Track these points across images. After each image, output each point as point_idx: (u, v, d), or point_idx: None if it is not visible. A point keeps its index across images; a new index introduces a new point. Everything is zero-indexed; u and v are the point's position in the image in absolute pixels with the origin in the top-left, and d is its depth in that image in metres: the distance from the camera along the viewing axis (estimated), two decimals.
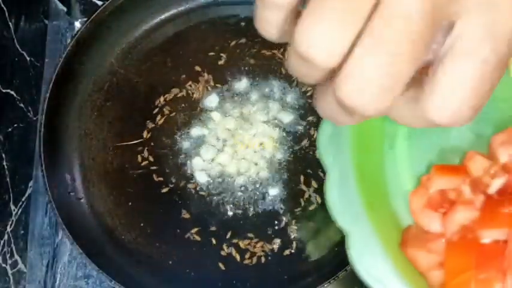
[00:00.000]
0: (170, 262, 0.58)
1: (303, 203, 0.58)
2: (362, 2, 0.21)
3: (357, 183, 0.37)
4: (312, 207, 0.58)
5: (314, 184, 0.59)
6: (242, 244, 0.58)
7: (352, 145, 0.38)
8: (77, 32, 0.60)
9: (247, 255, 0.57)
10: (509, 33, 0.22)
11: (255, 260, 0.57)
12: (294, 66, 0.24)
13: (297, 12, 0.23)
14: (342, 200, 0.37)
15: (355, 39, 0.21)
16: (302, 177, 0.59)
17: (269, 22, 0.24)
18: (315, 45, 0.22)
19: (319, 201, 0.58)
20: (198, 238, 0.58)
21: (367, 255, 0.36)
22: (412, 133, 0.42)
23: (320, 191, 0.58)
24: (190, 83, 0.63)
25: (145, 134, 0.62)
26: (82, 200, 0.60)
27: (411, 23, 0.21)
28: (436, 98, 0.23)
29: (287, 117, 0.61)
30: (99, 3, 0.66)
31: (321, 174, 0.59)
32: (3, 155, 0.63)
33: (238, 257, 0.57)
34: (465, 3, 0.22)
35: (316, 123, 0.60)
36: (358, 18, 0.21)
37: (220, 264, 0.57)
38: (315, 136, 0.60)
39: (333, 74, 0.23)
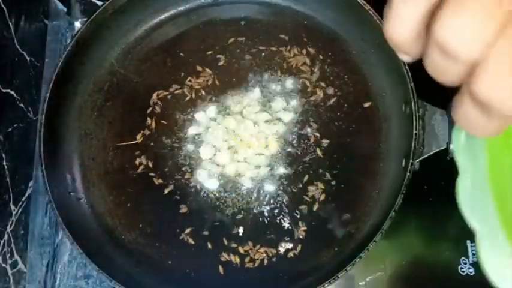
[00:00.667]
0: (170, 262, 0.58)
1: (307, 204, 0.58)
2: None
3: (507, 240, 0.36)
4: (315, 208, 0.58)
5: (319, 184, 0.59)
6: (242, 250, 0.57)
7: (494, 198, 0.37)
8: (77, 32, 0.60)
9: (247, 259, 0.57)
10: None
11: (256, 263, 0.57)
12: (433, 61, 0.24)
13: (433, 9, 0.23)
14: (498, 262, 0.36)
15: (498, 32, 0.21)
16: (306, 177, 0.59)
17: (404, 20, 0.24)
18: (457, 36, 0.21)
19: (322, 199, 0.58)
20: (198, 239, 0.58)
21: None
22: None
23: (324, 190, 0.58)
24: (190, 83, 0.63)
25: (145, 134, 0.62)
26: (82, 200, 0.60)
27: None
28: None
29: (288, 116, 0.61)
30: (99, 3, 0.66)
31: (327, 175, 0.59)
32: (3, 155, 0.63)
33: (238, 261, 0.57)
34: None
35: (317, 121, 0.60)
36: (501, 11, 0.21)
37: (220, 266, 0.57)
38: (317, 135, 0.60)
39: (471, 70, 0.22)
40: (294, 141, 0.60)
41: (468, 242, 0.59)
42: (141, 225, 0.59)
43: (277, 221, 0.58)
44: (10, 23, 0.63)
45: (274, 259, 0.57)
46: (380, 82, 0.60)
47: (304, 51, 0.63)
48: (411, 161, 0.51)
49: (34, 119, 0.67)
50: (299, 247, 0.57)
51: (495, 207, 0.36)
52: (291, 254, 0.57)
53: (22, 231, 0.64)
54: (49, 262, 0.64)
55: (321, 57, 0.63)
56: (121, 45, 0.65)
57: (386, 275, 0.59)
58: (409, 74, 0.53)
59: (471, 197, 0.36)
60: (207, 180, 0.60)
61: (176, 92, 0.63)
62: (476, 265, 0.58)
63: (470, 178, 0.36)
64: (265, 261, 0.57)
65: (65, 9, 0.71)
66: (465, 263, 0.58)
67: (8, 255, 0.62)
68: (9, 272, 0.62)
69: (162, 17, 0.66)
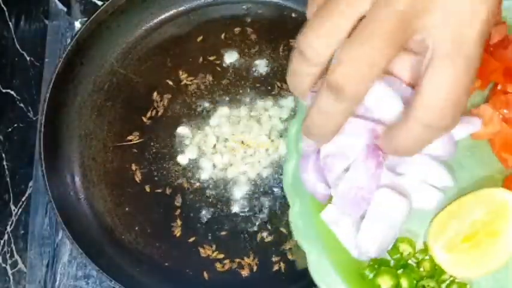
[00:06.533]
0: (170, 262, 0.58)
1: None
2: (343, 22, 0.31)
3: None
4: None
5: None
6: (241, 250, 0.58)
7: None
8: (77, 32, 0.60)
9: (247, 259, 0.57)
10: (475, 36, 0.29)
11: (256, 264, 0.57)
12: (294, 66, 0.33)
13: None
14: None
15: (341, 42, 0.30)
16: None
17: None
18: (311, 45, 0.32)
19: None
20: (198, 240, 0.58)
21: None
22: None
23: None
24: (190, 83, 0.63)
25: (145, 134, 0.62)
26: (82, 200, 0.60)
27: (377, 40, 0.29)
28: (423, 98, 0.30)
29: (286, 115, 0.61)
30: (99, 3, 0.67)
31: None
32: (3, 155, 0.63)
33: (238, 260, 0.57)
34: (430, 19, 0.29)
35: None
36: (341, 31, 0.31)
37: (220, 266, 0.57)
38: None
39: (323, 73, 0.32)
40: None
41: None
42: (141, 225, 0.59)
43: (277, 221, 0.58)
44: (10, 23, 0.63)
45: (274, 259, 0.57)
46: None
47: None
48: None
49: (34, 119, 0.67)
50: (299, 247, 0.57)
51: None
52: (291, 254, 0.57)
53: (22, 231, 0.64)
54: (49, 262, 0.64)
55: None
56: (121, 45, 0.65)
57: None
58: None
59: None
60: (207, 181, 0.60)
61: (176, 92, 0.63)
62: None
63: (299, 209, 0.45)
64: (265, 262, 0.57)
65: (65, 9, 0.71)
66: None
67: (8, 255, 0.62)
68: (9, 272, 0.62)
69: (162, 17, 0.66)
